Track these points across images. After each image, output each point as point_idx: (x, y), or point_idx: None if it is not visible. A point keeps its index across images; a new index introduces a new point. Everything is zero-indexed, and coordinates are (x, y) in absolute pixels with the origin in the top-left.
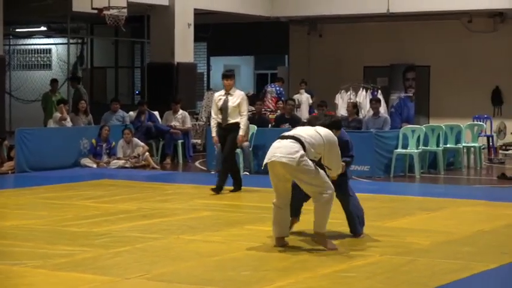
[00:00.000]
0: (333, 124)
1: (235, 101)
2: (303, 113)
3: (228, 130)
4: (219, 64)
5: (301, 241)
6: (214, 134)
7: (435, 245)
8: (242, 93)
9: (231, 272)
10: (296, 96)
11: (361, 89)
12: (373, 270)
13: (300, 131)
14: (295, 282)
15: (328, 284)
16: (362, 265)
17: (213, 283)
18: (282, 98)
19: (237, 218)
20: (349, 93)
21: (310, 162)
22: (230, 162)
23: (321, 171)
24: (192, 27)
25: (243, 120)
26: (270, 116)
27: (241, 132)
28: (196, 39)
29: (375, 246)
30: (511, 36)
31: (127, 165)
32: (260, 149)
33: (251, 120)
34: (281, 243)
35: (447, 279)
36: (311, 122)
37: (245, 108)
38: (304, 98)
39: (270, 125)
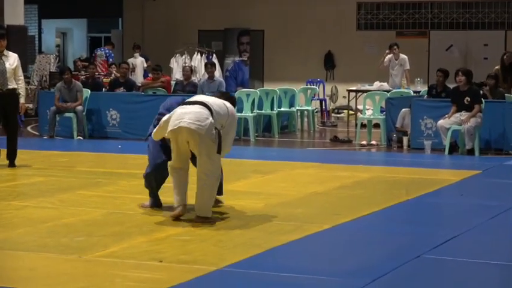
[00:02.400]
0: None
1: (12, 63)
2: (138, 77)
3: (7, 97)
4: (50, 27)
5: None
6: None
7: (269, 207)
8: (16, 55)
9: (64, 238)
10: (130, 60)
11: (196, 52)
12: (207, 233)
13: (207, 98)
14: (130, 246)
15: (162, 248)
16: (197, 228)
17: (46, 249)
18: (111, 60)
19: (70, 183)
20: (184, 57)
21: (216, 134)
22: (16, 137)
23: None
24: None
25: (22, 86)
26: (103, 80)
27: (23, 100)
28: (27, 1)
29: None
30: (342, 1)
31: None
32: (94, 113)
33: (85, 83)
34: (183, 212)
35: (281, 241)
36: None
37: (21, 72)
38: (138, 62)
39: (104, 89)
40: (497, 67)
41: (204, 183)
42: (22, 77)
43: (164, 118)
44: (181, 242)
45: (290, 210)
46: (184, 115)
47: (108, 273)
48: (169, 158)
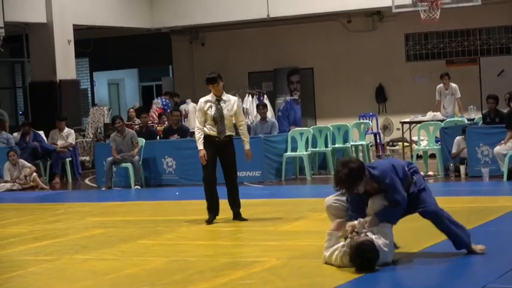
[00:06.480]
0: None
1: (231, 108)
2: (191, 123)
3: (224, 145)
4: (102, 79)
5: (199, 252)
6: (201, 147)
7: None
8: (236, 98)
9: None
10: (183, 107)
11: (247, 95)
12: (270, 275)
13: None
14: None
15: None
16: (259, 271)
17: None
18: (168, 110)
19: (130, 234)
20: None
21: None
22: (236, 183)
23: None
24: (72, 43)
25: (245, 131)
26: (157, 128)
27: (248, 146)
28: (78, 55)
29: (271, 250)
30: (389, 34)
31: (14, 188)
32: (150, 161)
33: (139, 133)
34: None
35: (346, 278)
36: None
37: (243, 116)
38: (191, 108)
39: (158, 137)
40: None
41: None
42: (244, 122)
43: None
44: (245, 286)
45: None
46: None
47: None
48: None
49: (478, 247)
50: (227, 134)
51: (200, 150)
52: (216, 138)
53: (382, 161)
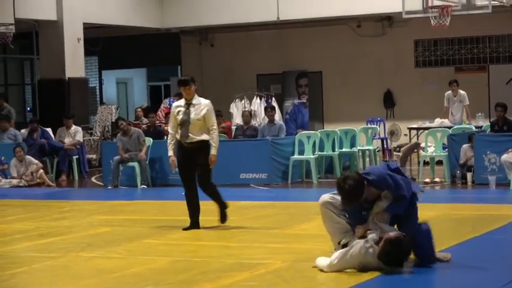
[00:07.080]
0: None
1: (199, 112)
2: None
3: (192, 150)
4: (111, 78)
5: (203, 252)
6: (171, 153)
7: None
8: (208, 101)
9: None
10: None
11: (255, 97)
12: (274, 278)
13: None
14: None
15: None
16: (263, 273)
17: None
18: None
19: (136, 233)
20: (243, 101)
21: None
22: (211, 189)
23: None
24: (82, 42)
25: (215, 136)
26: (165, 127)
27: (213, 151)
28: (87, 53)
29: (276, 253)
30: (399, 39)
31: (21, 184)
32: (157, 161)
33: (146, 133)
34: None
35: (350, 283)
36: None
37: (214, 120)
38: None
39: (165, 137)
40: None
41: None
42: (214, 126)
43: None
44: None
45: None
46: None
47: None
48: None
49: (443, 255)
50: (194, 139)
51: (169, 156)
52: (184, 143)
53: (374, 166)
